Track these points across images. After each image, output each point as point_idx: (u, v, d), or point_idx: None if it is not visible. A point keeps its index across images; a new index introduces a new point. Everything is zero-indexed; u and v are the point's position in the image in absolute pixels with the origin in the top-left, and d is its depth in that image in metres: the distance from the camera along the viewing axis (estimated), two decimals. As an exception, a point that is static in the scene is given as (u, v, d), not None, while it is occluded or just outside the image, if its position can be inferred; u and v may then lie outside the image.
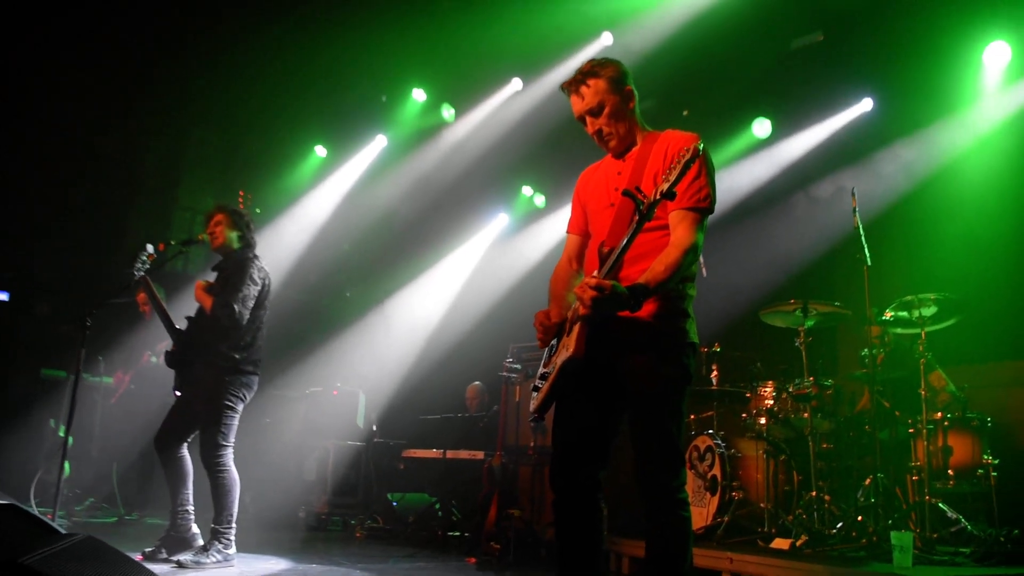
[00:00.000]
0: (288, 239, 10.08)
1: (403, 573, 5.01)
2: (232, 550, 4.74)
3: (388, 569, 5.14)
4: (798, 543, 4.80)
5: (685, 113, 8.15)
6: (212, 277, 5.14)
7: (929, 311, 5.18)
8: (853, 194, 5.22)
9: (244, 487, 4.89)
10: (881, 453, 5.14)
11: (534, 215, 10.16)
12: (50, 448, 7.28)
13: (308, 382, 8.71)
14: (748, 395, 6.02)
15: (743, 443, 5.85)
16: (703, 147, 2.61)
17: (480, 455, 6.86)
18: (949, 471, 5.02)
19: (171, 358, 5.00)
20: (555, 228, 9.46)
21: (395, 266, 10.69)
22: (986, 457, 4.96)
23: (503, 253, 10.17)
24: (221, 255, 5.18)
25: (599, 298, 2.55)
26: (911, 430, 5.18)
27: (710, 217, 2.85)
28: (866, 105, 7.52)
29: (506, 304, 9.57)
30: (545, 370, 2.92)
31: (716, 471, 5.67)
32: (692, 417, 6.52)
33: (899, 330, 5.54)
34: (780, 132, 7.98)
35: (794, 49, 7.37)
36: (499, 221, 10.45)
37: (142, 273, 5.07)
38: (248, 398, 4.94)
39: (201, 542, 4.82)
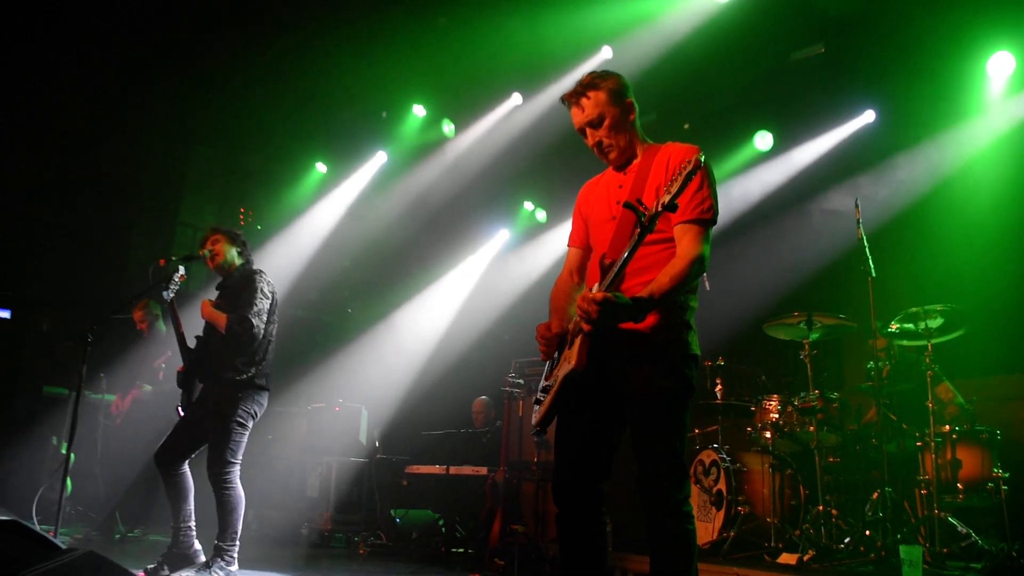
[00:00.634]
0: (289, 256, 10.08)
1: (406, 591, 4.96)
2: (234, 567, 4.70)
3: (391, 587, 5.09)
4: (805, 558, 4.76)
5: (686, 126, 8.15)
6: (214, 295, 5.12)
7: (935, 323, 5.15)
8: (857, 205, 5.21)
9: (247, 504, 4.85)
10: (889, 466, 5.11)
11: (535, 230, 10.15)
12: (52, 465, 7.25)
13: (310, 398, 8.69)
14: (753, 409, 5.97)
15: (748, 457, 5.81)
16: (704, 159, 2.60)
17: (483, 471, 6.82)
18: (958, 485, 4.97)
19: (182, 378, 4.97)
20: (557, 243, 9.45)
21: (397, 282, 10.69)
22: (996, 470, 4.91)
23: (505, 268, 10.16)
24: (221, 274, 5.17)
25: (600, 309, 2.54)
26: (919, 443, 5.14)
27: (714, 228, 2.84)
28: (869, 117, 7.52)
29: (508, 319, 9.55)
30: (547, 383, 2.90)
31: (721, 485, 5.63)
32: (697, 431, 6.48)
33: (905, 342, 5.50)
34: (782, 145, 7.97)
35: (795, 61, 7.36)
36: (500, 236, 10.44)
37: (172, 295, 5.04)
38: (259, 415, 4.90)
39: (203, 559, 4.77)
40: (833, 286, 7.24)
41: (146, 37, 8.57)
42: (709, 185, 2.82)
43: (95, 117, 9.34)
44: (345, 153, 10.31)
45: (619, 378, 2.77)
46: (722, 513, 5.55)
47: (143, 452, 6.53)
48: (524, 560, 5.53)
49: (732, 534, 5.32)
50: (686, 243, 2.75)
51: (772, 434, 5.66)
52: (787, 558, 4.89)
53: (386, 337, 10.40)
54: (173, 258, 5.43)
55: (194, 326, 5.02)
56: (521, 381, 6.75)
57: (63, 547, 2.16)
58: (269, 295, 4.97)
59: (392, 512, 7.65)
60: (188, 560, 4.79)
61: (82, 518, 7.47)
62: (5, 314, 8.94)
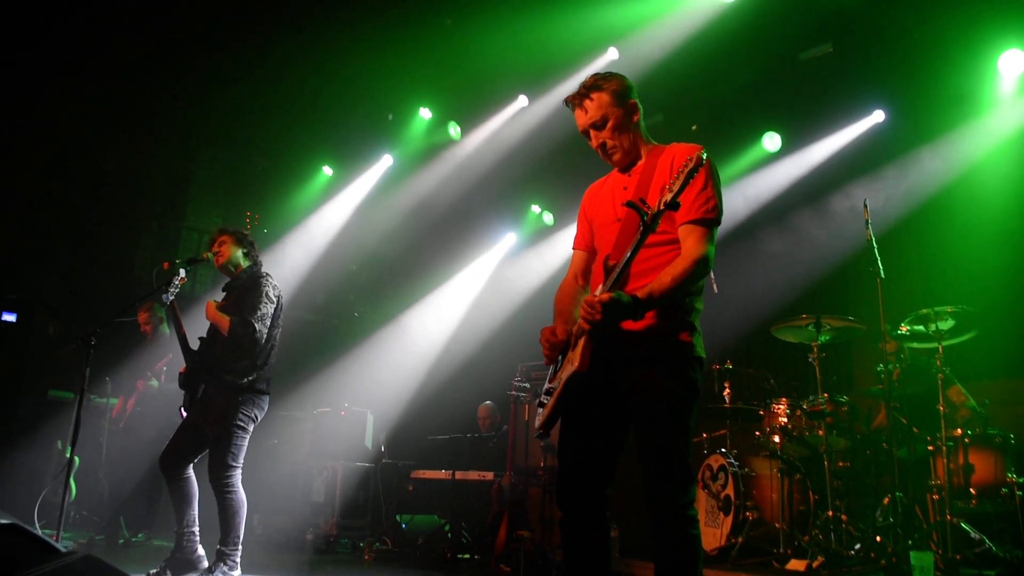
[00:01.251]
0: (295, 259, 10.07)
1: (410, 597, 4.92)
2: (237, 572, 4.67)
3: (395, 592, 5.05)
4: (815, 564, 4.69)
5: (693, 128, 8.09)
6: (220, 297, 5.10)
7: (946, 325, 5.09)
8: (865, 206, 5.14)
9: (252, 509, 4.83)
10: (899, 471, 5.03)
11: (543, 233, 10.11)
12: (56, 469, 7.24)
13: (316, 403, 8.66)
14: (761, 413, 5.91)
15: (757, 462, 5.75)
16: (706, 156, 2.58)
17: (490, 476, 6.78)
18: (971, 490, 4.90)
19: (184, 379, 4.95)
20: (564, 246, 9.40)
21: (403, 286, 10.67)
22: (1010, 475, 4.84)
23: (511, 271, 10.12)
24: (227, 275, 5.15)
25: (603, 310, 2.52)
26: (930, 447, 5.06)
27: (720, 231, 2.81)
28: (878, 116, 7.44)
29: (515, 323, 9.51)
30: (550, 386, 2.87)
31: (729, 491, 5.57)
32: (704, 436, 6.42)
33: (915, 344, 5.43)
34: (791, 145, 7.91)
35: (803, 61, 7.30)
36: (507, 240, 10.41)
37: (172, 298, 5.02)
38: (259, 419, 4.88)
39: (206, 564, 4.75)
40: (842, 288, 7.17)
41: (152, 40, 8.59)
42: (713, 185, 2.78)
43: (102, 121, 9.35)
44: (351, 156, 10.31)
45: (623, 380, 2.73)
46: (730, 519, 5.49)
47: (146, 456, 6.52)
48: (530, 566, 5.49)
49: (740, 540, 5.26)
50: (690, 243, 2.71)
51: (781, 438, 5.60)
52: (796, 564, 4.82)
53: (392, 341, 10.38)
54: (177, 261, 5.43)
55: (199, 328, 5.00)
56: (527, 385, 6.72)
57: (63, 550, 2.14)
58: (274, 299, 4.95)
59: (398, 517, 7.62)
60: (191, 565, 4.76)
61: (86, 522, 7.47)
62: (11, 317, 8.95)
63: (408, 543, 7.24)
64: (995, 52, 6.51)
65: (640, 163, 2.95)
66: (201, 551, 4.86)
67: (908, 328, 5.24)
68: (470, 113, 9.24)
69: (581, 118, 2.94)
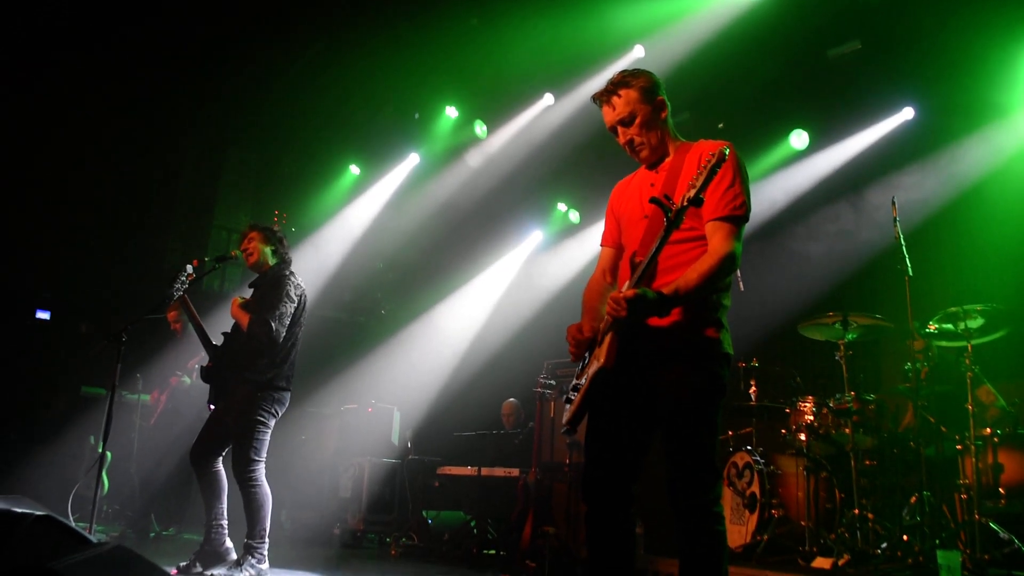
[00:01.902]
0: (323, 257, 10.14)
1: (437, 591, 4.95)
2: (265, 565, 4.73)
3: (421, 587, 5.09)
4: (840, 562, 4.67)
5: (720, 126, 8.05)
6: (248, 294, 5.17)
7: (975, 323, 5.03)
8: (893, 204, 5.10)
9: (280, 504, 4.89)
10: (927, 470, 4.98)
11: (569, 231, 10.10)
12: (89, 464, 7.36)
13: (343, 399, 8.73)
14: (787, 411, 5.88)
15: (783, 460, 5.72)
16: (730, 151, 2.58)
17: (515, 472, 6.80)
18: (1000, 489, 4.84)
19: (207, 373, 5.03)
20: (590, 243, 9.39)
21: (429, 283, 10.70)
22: (1040, 475, 4.78)
23: (537, 269, 10.13)
24: (256, 272, 5.20)
25: (628, 306, 2.54)
26: (959, 447, 5.01)
27: (747, 229, 2.81)
28: (907, 114, 7.37)
29: (540, 321, 9.51)
30: (577, 382, 2.88)
31: (755, 488, 5.55)
32: (730, 433, 6.39)
33: (944, 343, 5.37)
34: (818, 143, 7.84)
35: (831, 58, 7.24)
36: (533, 237, 10.42)
37: (181, 292, 5.10)
38: (280, 414, 4.95)
39: (235, 557, 4.82)
40: (869, 286, 7.10)
41: (182, 43, 8.68)
42: (741, 181, 2.77)
43: (132, 122, 9.48)
44: (378, 155, 10.36)
45: (650, 377, 2.74)
46: (755, 516, 5.47)
47: (177, 451, 6.62)
48: (556, 562, 5.50)
49: (766, 537, 5.24)
50: (717, 240, 2.71)
51: (807, 436, 5.56)
52: (822, 562, 4.80)
53: (419, 338, 10.42)
54: (207, 259, 5.51)
55: (226, 325, 5.07)
56: (553, 382, 6.72)
57: (95, 541, 2.20)
58: (295, 298, 4.98)
59: (424, 513, 7.67)
60: (220, 558, 4.83)
61: (118, 516, 7.58)
62: (45, 315, 9.11)
63: (434, 539, 7.27)
64: (1025, 48, 6.43)
65: (668, 160, 2.94)
66: (229, 543, 4.93)
67: (937, 326, 5.19)
68: (496, 111, 9.25)
69: (608, 115, 2.94)
